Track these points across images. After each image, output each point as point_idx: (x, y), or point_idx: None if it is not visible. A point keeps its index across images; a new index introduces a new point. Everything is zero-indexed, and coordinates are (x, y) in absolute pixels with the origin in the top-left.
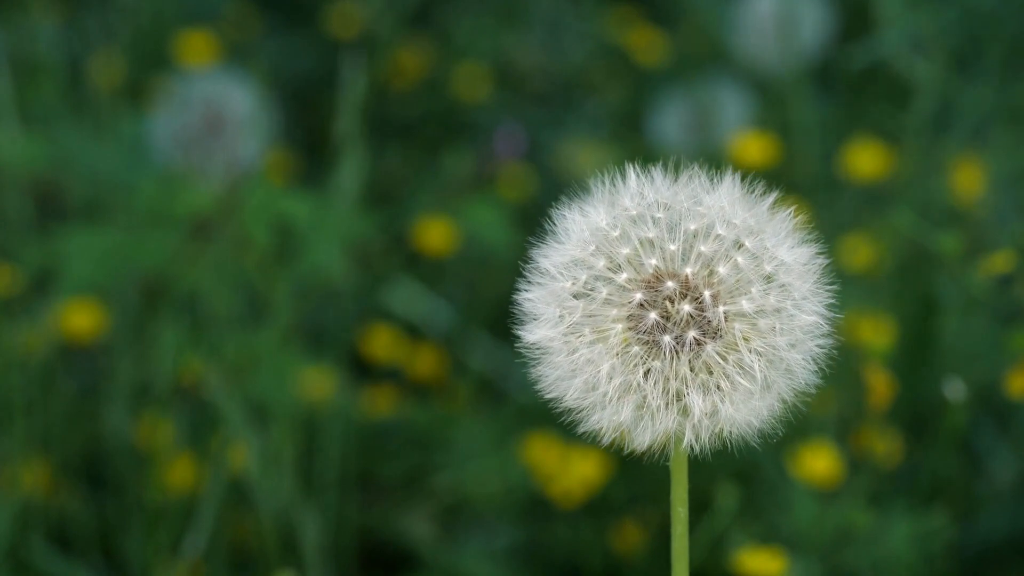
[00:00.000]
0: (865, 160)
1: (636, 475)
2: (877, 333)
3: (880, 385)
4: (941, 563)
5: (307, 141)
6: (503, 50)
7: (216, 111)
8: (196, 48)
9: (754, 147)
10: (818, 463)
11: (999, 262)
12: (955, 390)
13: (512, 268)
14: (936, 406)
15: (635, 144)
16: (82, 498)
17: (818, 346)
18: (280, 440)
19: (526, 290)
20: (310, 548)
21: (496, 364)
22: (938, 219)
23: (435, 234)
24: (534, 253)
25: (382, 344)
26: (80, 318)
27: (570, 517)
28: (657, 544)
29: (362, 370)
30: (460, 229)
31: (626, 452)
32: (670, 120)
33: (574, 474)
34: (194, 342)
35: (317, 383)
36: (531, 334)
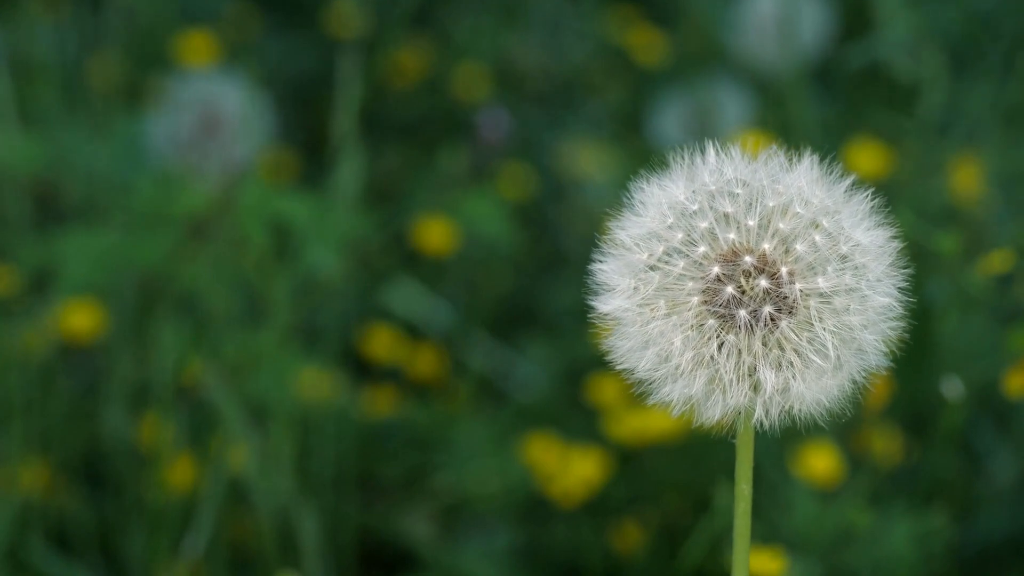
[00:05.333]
0: (865, 160)
1: (636, 475)
2: None
3: (876, 384)
4: (941, 563)
5: (306, 141)
6: (503, 50)
7: (213, 111)
8: (195, 48)
9: (754, 147)
10: (819, 463)
11: (996, 261)
12: (953, 388)
13: (513, 267)
14: (935, 406)
15: (635, 144)
16: (82, 498)
17: (890, 328)
18: (279, 440)
19: (601, 260)
20: (310, 548)
21: (496, 364)
22: (937, 219)
23: (435, 233)
24: (611, 225)
25: (382, 344)
26: (79, 318)
27: (570, 517)
28: (657, 544)
29: (362, 370)
30: (459, 226)
31: (695, 425)
32: (670, 120)
33: (574, 474)
34: (193, 342)
35: (316, 383)
36: (604, 305)
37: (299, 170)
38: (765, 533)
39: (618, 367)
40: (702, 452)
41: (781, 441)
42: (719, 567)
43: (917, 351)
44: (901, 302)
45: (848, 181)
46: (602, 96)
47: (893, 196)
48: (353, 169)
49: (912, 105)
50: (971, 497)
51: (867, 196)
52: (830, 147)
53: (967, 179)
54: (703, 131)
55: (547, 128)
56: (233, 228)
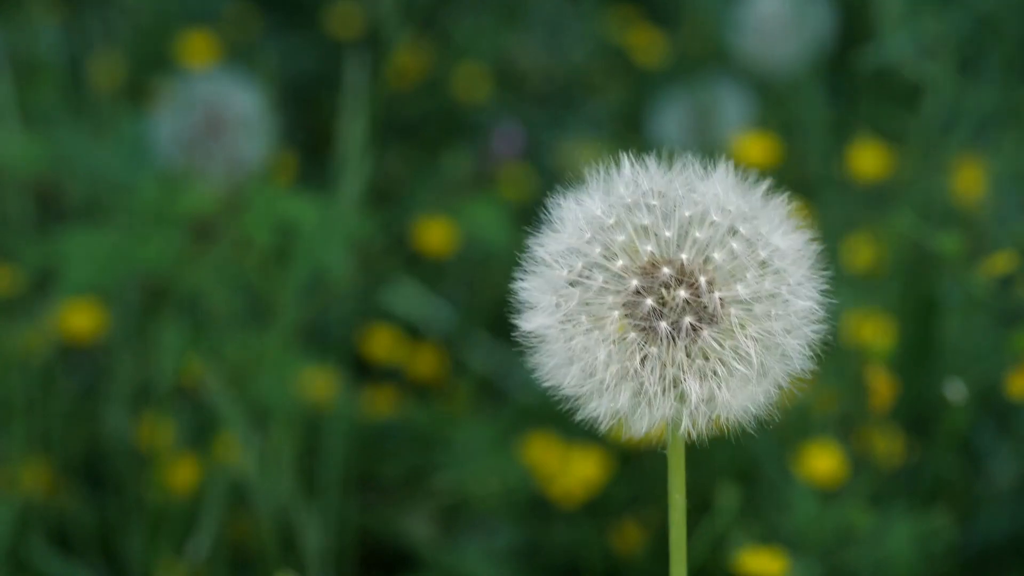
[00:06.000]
0: (867, 160)
1: (636, 475)
2: (878, 334)
3: (882, 387)
4: (942, 563)
5: (308, 142)
6: (503, 50)
7: (217, 112)
8: (197, 48)
9: (755, 147)
10: (821, 463)
11: (1000, 263)
12: (956, 391)
13: (512, 268)
14: (937, 407)
15: (635, 144)
16: (82, 498)
17: (813, 331)
18: (280, 440)
19: (522, 279)
20: (310, 548)
21: (496, 364)
22: (940, 219)
23: (435, 234)
24: (530, 242)
25: (382, 344)
26: (80, 318)
27: (570, 517)
28: (657, 544)
29: (362, 370)
30: (460, 228)
31: (624, 440)
32: (670, 120)
33: (574, 474)
34: (195, 343)
35: (317, 383)
36: (528, 322)
37: (299, 171)
38: (765, 533)
39: (545, 384)
40: (702, 452)
41: (782, 441)
42: (719, 567)
43: (920, 352)
44: (822, 304)
45: (764, 186)
46: (602, 96)
47: (895, 196)
48: (357, 170)
49: (915, 105)
50: (972, 498)
51: (784, 201)
52: (832, 147)
53: (970, 179)
54: (703, 131)
55: (547, 128)
56: (236, 229)
